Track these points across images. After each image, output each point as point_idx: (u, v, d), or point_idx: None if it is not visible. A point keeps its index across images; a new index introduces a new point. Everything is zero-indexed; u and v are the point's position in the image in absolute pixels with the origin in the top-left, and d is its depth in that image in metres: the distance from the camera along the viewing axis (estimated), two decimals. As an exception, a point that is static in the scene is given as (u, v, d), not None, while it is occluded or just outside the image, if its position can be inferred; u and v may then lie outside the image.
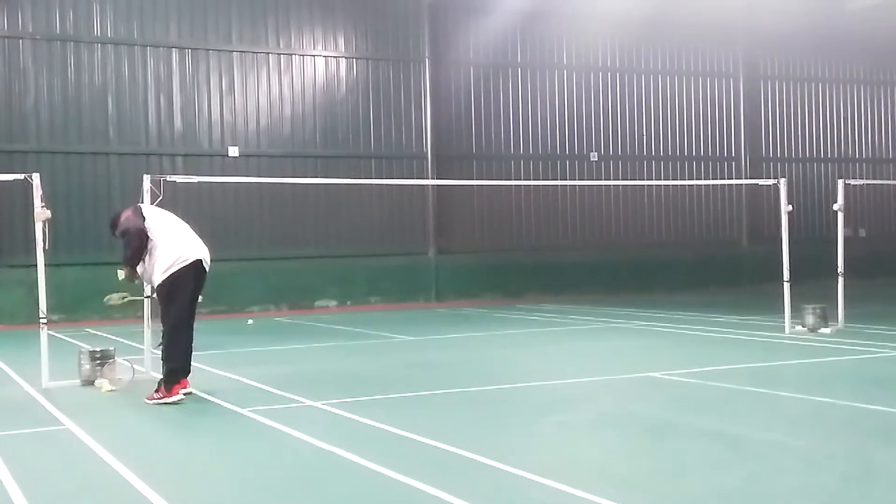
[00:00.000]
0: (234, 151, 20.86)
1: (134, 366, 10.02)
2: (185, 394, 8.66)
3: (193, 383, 9.38)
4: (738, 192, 26.11)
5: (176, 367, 8.65)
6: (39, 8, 19.55)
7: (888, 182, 27.44)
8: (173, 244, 8.81)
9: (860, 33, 26.63)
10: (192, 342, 8.97)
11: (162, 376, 8.65)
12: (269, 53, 21.39)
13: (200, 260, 8.88)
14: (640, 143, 25.21)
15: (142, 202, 9.52)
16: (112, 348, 10.08)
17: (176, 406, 8.70)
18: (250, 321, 18.05)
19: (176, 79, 20.58)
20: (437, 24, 22.85)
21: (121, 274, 9.11)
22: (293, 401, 8.52)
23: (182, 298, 8.79)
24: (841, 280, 13.74)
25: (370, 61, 22.34)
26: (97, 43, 19.97)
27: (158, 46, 20.47)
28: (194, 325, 9.04)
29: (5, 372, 11.19)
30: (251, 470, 6.02)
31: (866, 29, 26.22)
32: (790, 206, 13.62)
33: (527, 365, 11.19)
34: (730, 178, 26.02)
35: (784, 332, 13.16)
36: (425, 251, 22.62)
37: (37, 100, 19.53)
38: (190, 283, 8.81)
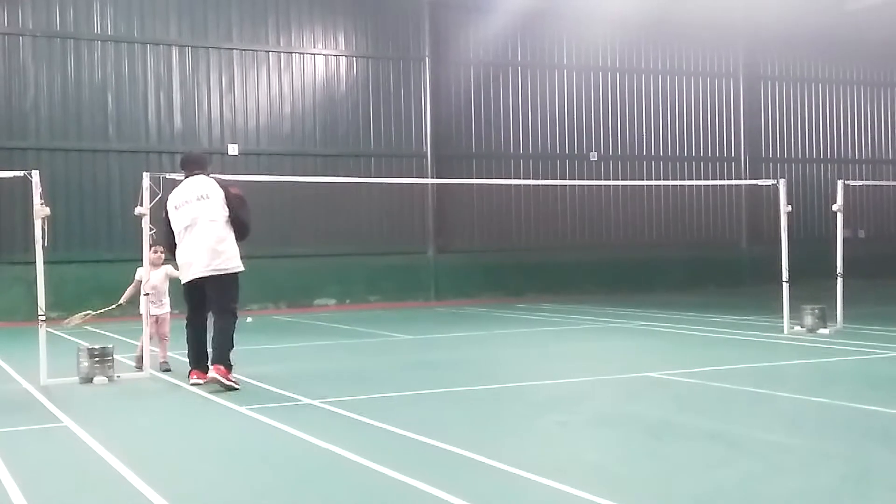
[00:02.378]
0: (233, 149, 20.86)
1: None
2: (192, 384, 9.26)
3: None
4: (737, 192, 26.12)
5: (189, 356, 9.52)
6: (39, 5, 19.54)
7: (887, 183, 27.47)
8: (179, 252, 9.46)
9: (860, 34, 26.64)
10: (199, 339, 9.52)
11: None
12: (269, 51, 21.39)
13: (191, 281, 9.37)
14: (640, 144, 25.22)
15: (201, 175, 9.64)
16: (110, 346, 10.08)
17: (175, 403, 8.75)
18: (249, 319, 18.02)
19: (176, 76, 20.58)
20: (437, 23, 22.85)
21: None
22: (292, 399, 8.52)
23: (188, 300, 9.56)
24: (840, 281, 13.74)
25: (370, 60, 22.34)
26: (97, 40, 19.97)
27: (158, 44, 20.46)
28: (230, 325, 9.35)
29: (4, 369, 11.19)
30: (249, 468, 6.02)
31: (866, 30, 26.23)
32: (789, 206, 13.63)
33: (525, 364, 11.19)
34: (729, 178, 26.03)
35: (783, 332, 13.16)
36: (424, 250, 22.62)
37: (36, 97, 19.53)
38: (188, 293, 9.51)
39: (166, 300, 10.74)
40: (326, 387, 9.26)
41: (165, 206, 9.50)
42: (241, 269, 9.40)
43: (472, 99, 23.37)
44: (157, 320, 10.69)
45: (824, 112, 27.83)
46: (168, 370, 10.45)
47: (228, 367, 9.07)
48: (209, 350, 9.34)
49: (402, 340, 14.19)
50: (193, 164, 9.73)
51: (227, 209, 9.28)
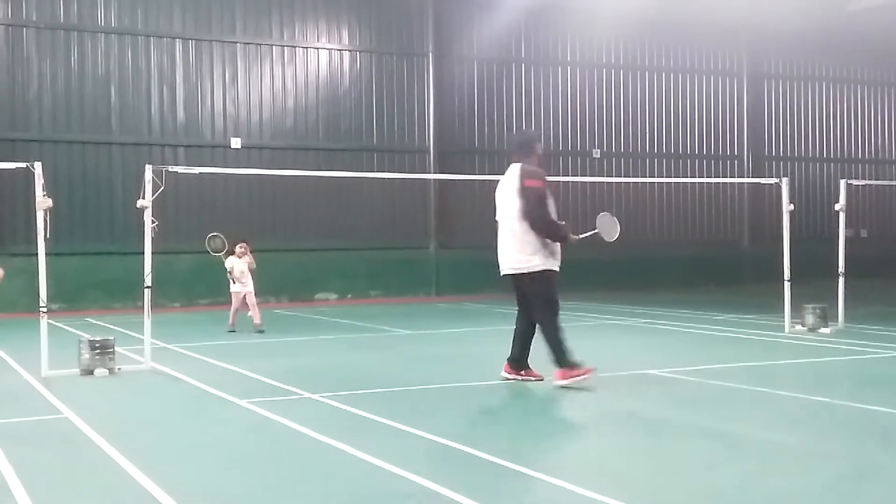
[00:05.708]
0: (236, 143, 20.85)
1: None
2: (502, 377, 9.05)
3: (196, 375, 9.44)
4: (740, 190, 26.09)
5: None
6: (43, -4, 19.53)
7: (890, 183, 27.43)
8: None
9: (864, 34, 26.58)
10: (520, 333, 9.14)
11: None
12: (272, 45, 21.38)
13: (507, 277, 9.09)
14: (643, 141, 25.19)
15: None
16: (111, 338, 10.09)
17: (176, 396, 8.78)
18: (250, 313, 18.04)
19: (179, 69, 20.57)
20: (441, 19, 22.82)
21: None
22: (292, 393, 8.53)
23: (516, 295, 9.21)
24: (842, 280, 13.73)
25: (374, 55, 22.32)
26: (101, 32, 19.95)
27: (162, 37, 20.45)
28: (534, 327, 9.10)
29: (5, 360, 11.20)
30: (249, 461, 6.03)
31: (870, 29, 26.18)
32: (792, 205, 13.60)
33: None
34: (732, 176, 26.00)
35: (784, 331, 13.15)
36: (426, 245, 22.62)
37: (40, 88, 19.52)
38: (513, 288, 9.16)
39: (249, 281, 14.39)
40: (327, 381, 9.27)
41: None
42: (542, 268, 8.79)
43: (475, 95, 23.35)
44: (244, 296, 14.35)
45: (827, 111, 27.79)
46: (262, 331, 14.11)
47: (567, 366, 8.63)
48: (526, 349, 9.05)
49: (403, 335, 14.19)
50: (513, 152, 9.24)
51: (519, 202, 8.72)
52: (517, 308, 9.11)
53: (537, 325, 8.91)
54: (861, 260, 18.84)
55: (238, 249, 14.54)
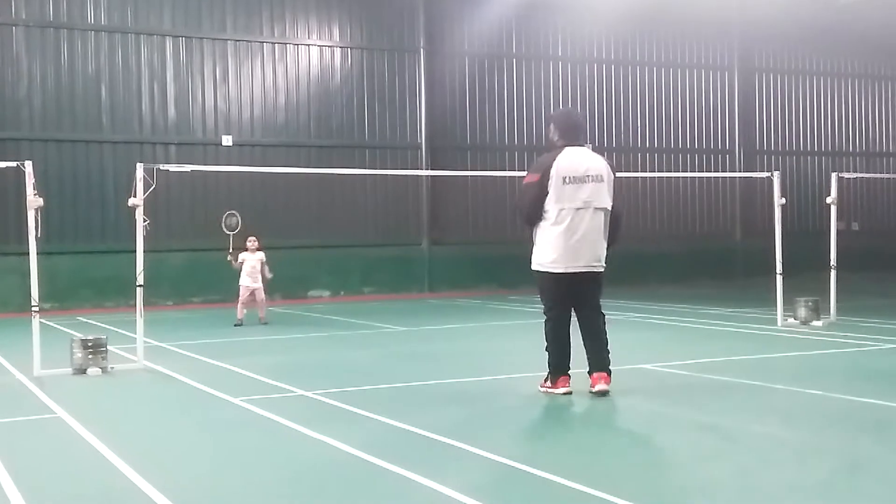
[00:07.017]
0: (227, 140, 20.81)
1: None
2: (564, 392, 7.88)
3: (190, 373, 9.41)
4: (731, 184, 26.14)
5: (554, 361, 8.05)
6: (33, -5, 19.46)
7: (881, 176, 27.53)
8: (554, 235, 7.95)
9: (855, 27, 26.65)
10: (569, 339, 8.09)
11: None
12: (263, 42, 21.33)
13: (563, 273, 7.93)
14: (634, 136, 25.21)
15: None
16: (104, 336, 10.06)
17: (169, 395, 8.72)
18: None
19: (170, 67, 20.51)
20: (432, 15, 22.80)
21: None
22: (285, 390, 8.52)
23: (556, 294, 8.06)
24: (833, 273, 13.77)
25: (365, 51, 22.29)
26: (91, 30, 19.88)
27: (152, 34, 20.39)
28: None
29: (-3, 360, 11.16)
30: (242, 459, 6.02)
31: (861, 22, 26.24)
32: (783, 199, 13.63)
33: (519, 356, 11.17)
34: (724, 170, 26.05)
35: (776, 324, 13.19)
36: (419, 242, 22.61)
37: (30, 87, 19.45)
38: (557, 284, 8.00)
39: (259, 277, 14.89)
40: (320, 378, 9.26)
41: (545, 171, 7.93)
42: None
43: (466, 90, 23.34)
44: (254, 291, 14.92)
45: (819, 105, 27.85)
46: (266, 323, 14.85)
47: (609, 373, 7.96)
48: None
49: (396, 332, 14.19)
50: (581, 133, 8.42)
51: (612, 195, 8.08)
52: (560, 310, 8.05)
53: (598, 323, 8.07)
54: (853, 253, 18.94)
55: (249, 244, 15.02)
